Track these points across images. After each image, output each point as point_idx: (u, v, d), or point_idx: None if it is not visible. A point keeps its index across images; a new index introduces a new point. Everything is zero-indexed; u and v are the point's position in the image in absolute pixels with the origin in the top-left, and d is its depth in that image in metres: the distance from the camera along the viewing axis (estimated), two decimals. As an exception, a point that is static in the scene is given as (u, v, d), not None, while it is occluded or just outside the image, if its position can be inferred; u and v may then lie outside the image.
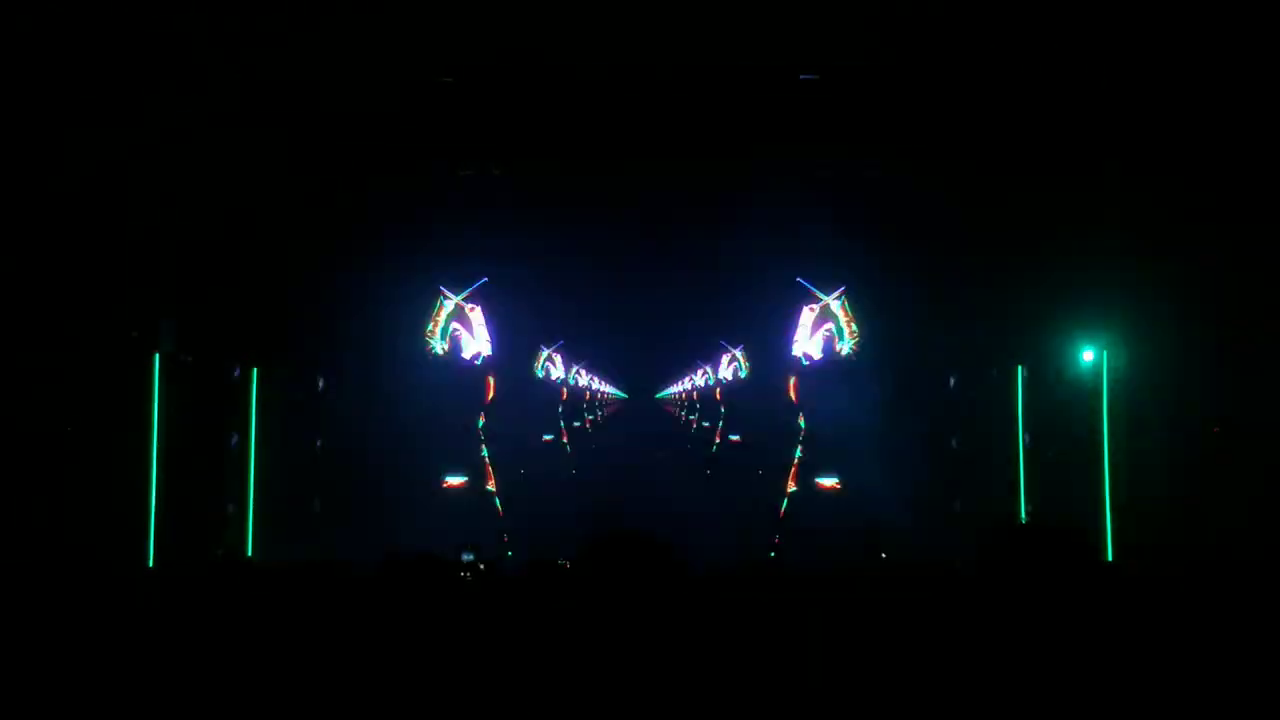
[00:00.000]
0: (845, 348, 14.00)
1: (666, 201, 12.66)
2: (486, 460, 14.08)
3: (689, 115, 11.43)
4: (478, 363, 14.36)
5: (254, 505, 12.49)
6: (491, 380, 14.36)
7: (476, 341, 14.35)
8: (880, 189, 12.45)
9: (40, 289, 10.43)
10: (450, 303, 14.27)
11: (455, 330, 14.39)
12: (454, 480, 13.74)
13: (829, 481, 14.02)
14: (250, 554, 12.09)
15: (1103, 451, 11.75)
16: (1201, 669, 3.68)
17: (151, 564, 11.09)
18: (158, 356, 11.52)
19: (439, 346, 14.24)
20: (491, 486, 14.01)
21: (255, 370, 12.75)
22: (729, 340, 15.01)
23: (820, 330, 14.20)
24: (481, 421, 14.28)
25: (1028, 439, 12.81)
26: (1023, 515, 12.54)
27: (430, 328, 14.21)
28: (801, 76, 10.78)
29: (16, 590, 5.79)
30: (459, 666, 4.00)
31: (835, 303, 14.12)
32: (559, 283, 13.70)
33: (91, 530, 10.24)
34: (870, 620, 4.22)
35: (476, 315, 14.37)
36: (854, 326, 13.99)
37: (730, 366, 15.53)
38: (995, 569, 3.58)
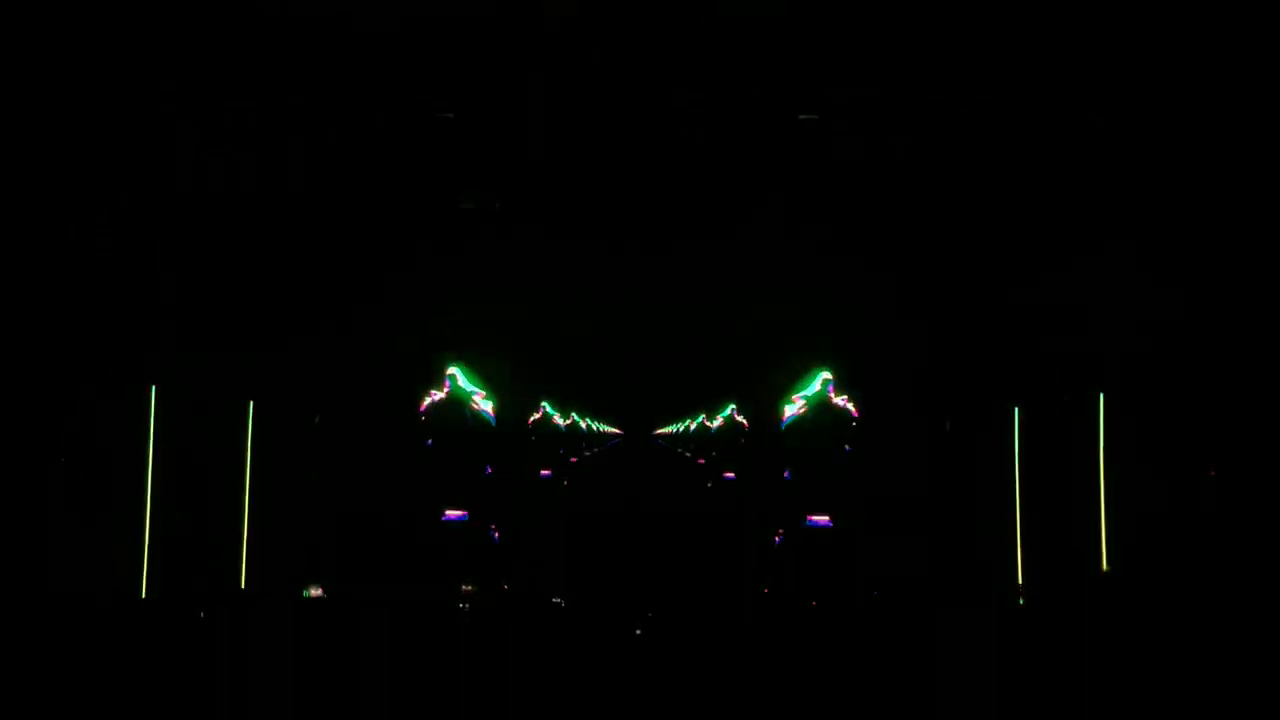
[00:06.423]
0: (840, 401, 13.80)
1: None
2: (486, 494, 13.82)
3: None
4: (482, 413, 14.02)
5: (248, 537, 12.44)
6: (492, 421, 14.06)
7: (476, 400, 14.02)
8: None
9: (37, 321, 10.45)
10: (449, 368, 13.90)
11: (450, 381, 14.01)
12: (453, 514, 13.58)
13: (821, 520, 13.88)
14: (244, 586, 12.05)
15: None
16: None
17: (144, 595, 11.05)
18: (154, 389, 11.51)
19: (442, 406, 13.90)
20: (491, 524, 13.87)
21: (251, 404, 12.74)
22: (725, 386, 14.78)
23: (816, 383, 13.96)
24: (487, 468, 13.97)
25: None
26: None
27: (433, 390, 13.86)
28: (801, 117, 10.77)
29: (10, 621, 5.78)
30: (457, 699, 4.01)
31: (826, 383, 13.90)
32: (557, 322, 13.33)
33: (85, 562, 10.20)
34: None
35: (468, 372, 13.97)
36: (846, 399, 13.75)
37: (727, 412, 15.37)
38: None
